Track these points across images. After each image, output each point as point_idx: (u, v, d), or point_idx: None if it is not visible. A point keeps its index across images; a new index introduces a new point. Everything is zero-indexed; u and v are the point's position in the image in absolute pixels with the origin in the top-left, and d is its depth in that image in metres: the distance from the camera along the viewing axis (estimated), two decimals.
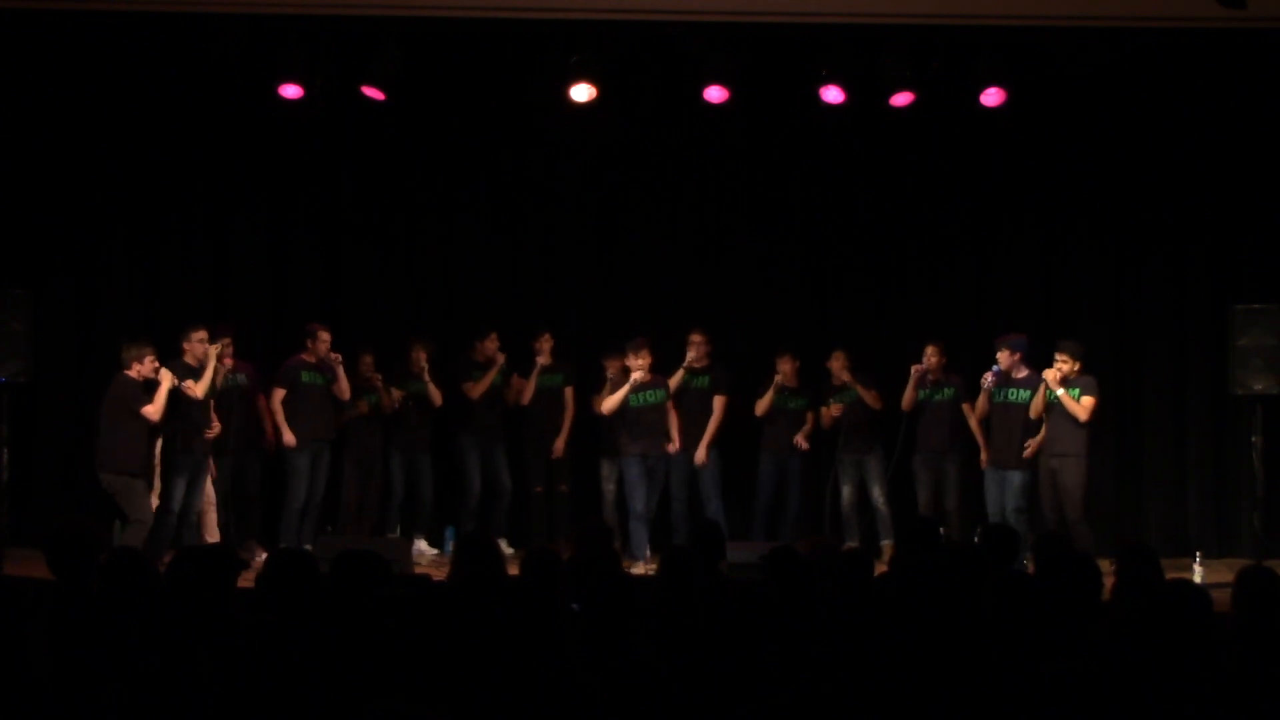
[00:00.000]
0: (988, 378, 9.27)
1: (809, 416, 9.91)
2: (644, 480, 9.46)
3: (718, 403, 9.76)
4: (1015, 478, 9.16)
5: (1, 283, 9.40)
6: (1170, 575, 5.44)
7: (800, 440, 9.84)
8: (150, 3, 8.86)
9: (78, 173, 10.11)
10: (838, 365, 9.81)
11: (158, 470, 8.97)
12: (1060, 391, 8.95)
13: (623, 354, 9.62)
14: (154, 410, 8.54)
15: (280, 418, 9.47)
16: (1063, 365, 8.99)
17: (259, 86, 9.35)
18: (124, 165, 10.16)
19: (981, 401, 9.35)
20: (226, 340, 9.19)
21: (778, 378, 9.81)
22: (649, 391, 9.48)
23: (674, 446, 9.56)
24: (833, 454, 9.93)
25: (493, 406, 9.91)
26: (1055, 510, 9.00)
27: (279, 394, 9.46)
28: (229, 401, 9.31)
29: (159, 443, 8.92)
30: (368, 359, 9.79)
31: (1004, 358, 9.25)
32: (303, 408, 9.49)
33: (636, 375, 9.38)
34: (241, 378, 9.45)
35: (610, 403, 9.52)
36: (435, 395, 9.78)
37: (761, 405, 9.85)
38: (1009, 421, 9.24)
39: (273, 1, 8.99)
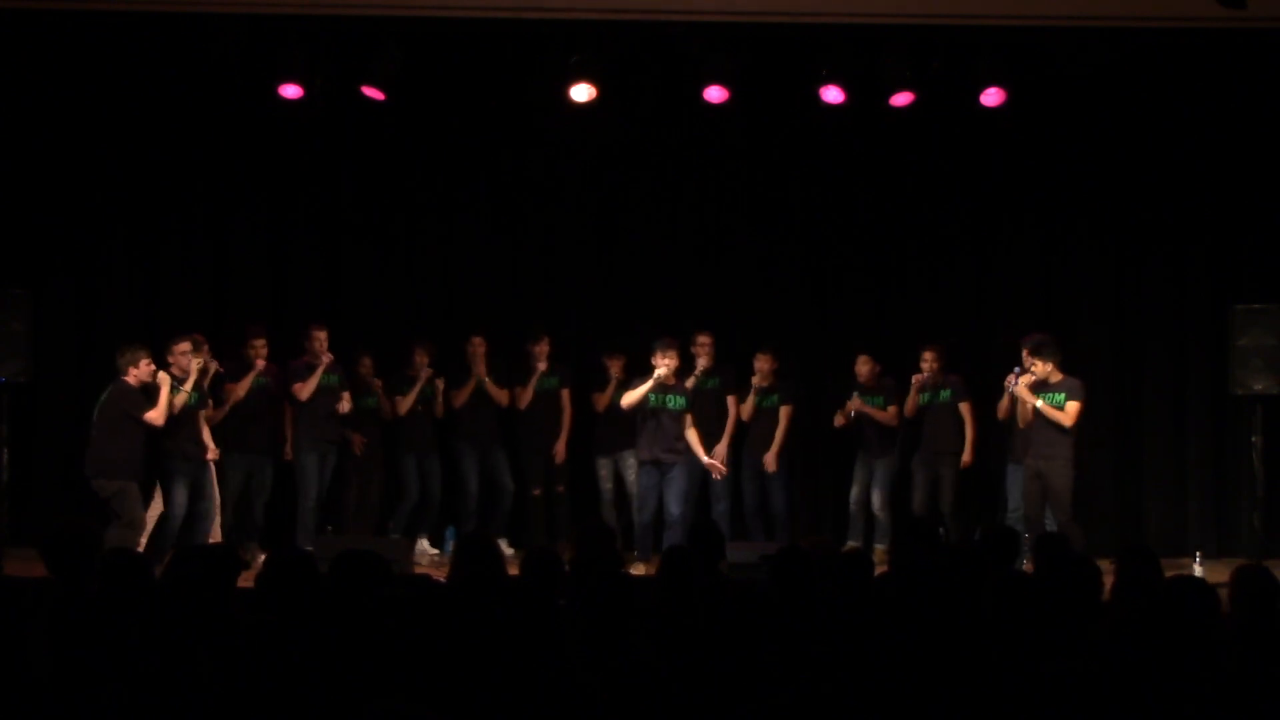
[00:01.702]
0: (1011, 379, 9.26)
1: (781, 413, 9.81)
2: (656, 489, 9.25)
3: (732, 404, 9.75)
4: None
5: (1, 283, 9.41)
6: (1171, 575, 5.43)
7: (771, 459, 9.75)
8: (150, 3, 8.87)
9: (78, 173, 10.11)
10: (864, 372, 9.78)
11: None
12: (1040, 403, 8.91)
13: (625, 353, 9.64)
14: (158, 415, 8.55)
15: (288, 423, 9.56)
16: (1034, 369, 8.95)
17: (259, 86, 9.35)
18: (124, 165, 10.15)
19: (1005, 402, 9.32)
20: (260, 342, 9.29)
21: (755, 379, 9.80)
22: (671, 396, 9.24)
23: (717, 471, 9.37)
24: (850, 456, 9.95)
25: (486, 409, 9.90)
26: (1039, 511, 8.98)
27: (305, 389, 9.40)
28: (253, 403, 9.35)
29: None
30: (367, 360, 9.79)
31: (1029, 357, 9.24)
32: (314, 408, 9.47)
33: (661, 371, 9.09)
34: (266, 380, 9.46)
35: (631, 397, 9.18)
36: (438, 408, 9.80)
37: (746, 409, 9.83)
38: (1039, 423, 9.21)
39: (273, 1, 8.99)
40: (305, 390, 9.39)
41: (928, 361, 9.60)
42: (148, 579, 4.95)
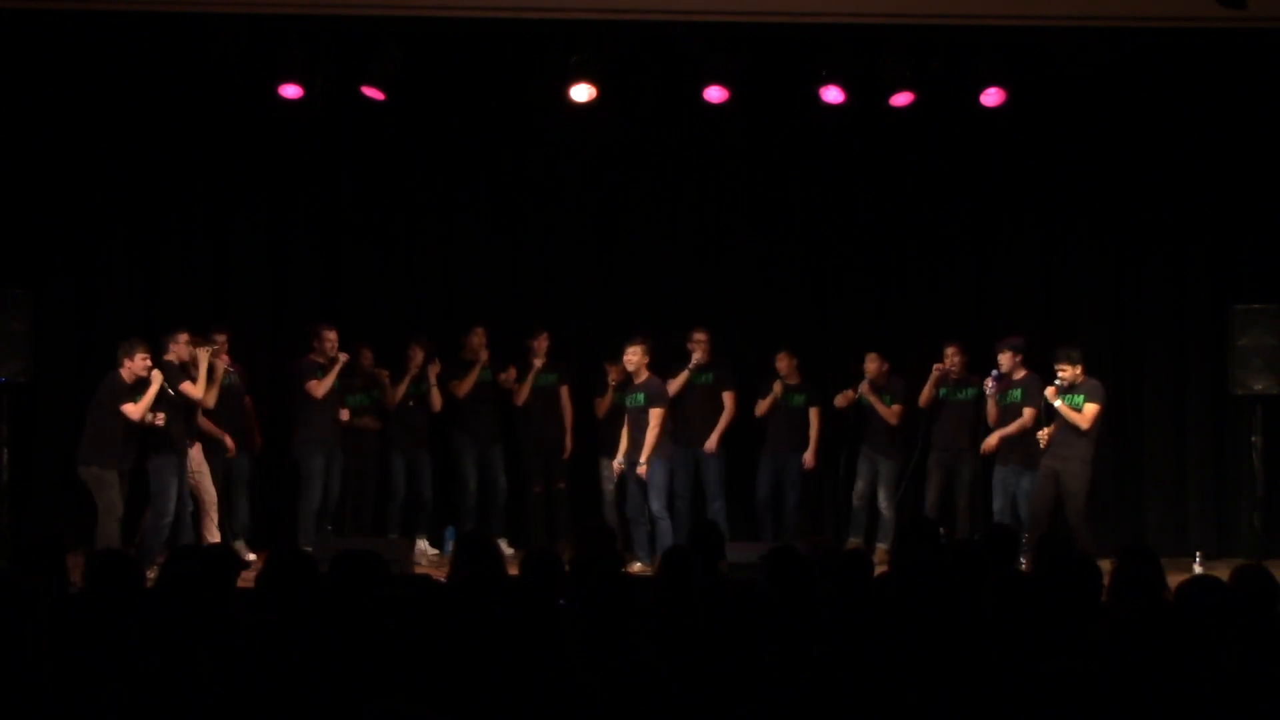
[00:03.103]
0: (989, 384, 9.29)
1: (812, 414, 9.86)
2: (640, 482, 9.36)
3: (728, 398, 9.78)
4: (1026, 478, 9.17)
5: (1, 283, 9.41)
6: (1171, 575, 5.43)
7: (809, 458, 9.81)
8: (150, 3, 8.86)
9: (78, 173, 10.10)
10: (873, 369, 9.77)
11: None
12: (1058, 403, 8.96)
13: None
14: (135, 409, 8.55)
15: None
16: (1063, 374, 8.99)
17: (259, 86, 9.34)
18: (124, 165, 10.15)
19: (991, 407, 9.35)
20: (222, 339, 9.22)
21: (783, 377, 9.81)
22: (631, 395, 9.42)
23: (641, 469, 9.32)
24: (851, 451, 9.95)
25: (486, 405, 9.90)
26: (1049, 510, 8.99)
27: (321, 386, 9.38)
28: (224, 401, 9.33)
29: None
30: (367, 353, 9.80)
31: (1005, 360, 9.27)
32: (322, 408, 9.47)
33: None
34: (234, 377, 9.46)
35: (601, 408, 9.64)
36: (436, 399, 9.79)
37: (762, 406, 9.85)
38: (1010, 423, 9.24)
39: (273, 1, 8.99)
40: (321, 388, 9.40)
41: (951, 356, 9.59)
42: (137, 579, 4.95)
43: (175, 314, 9.88)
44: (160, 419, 8.66)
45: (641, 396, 9.37)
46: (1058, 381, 8.98)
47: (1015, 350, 9.28)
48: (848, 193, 10.57)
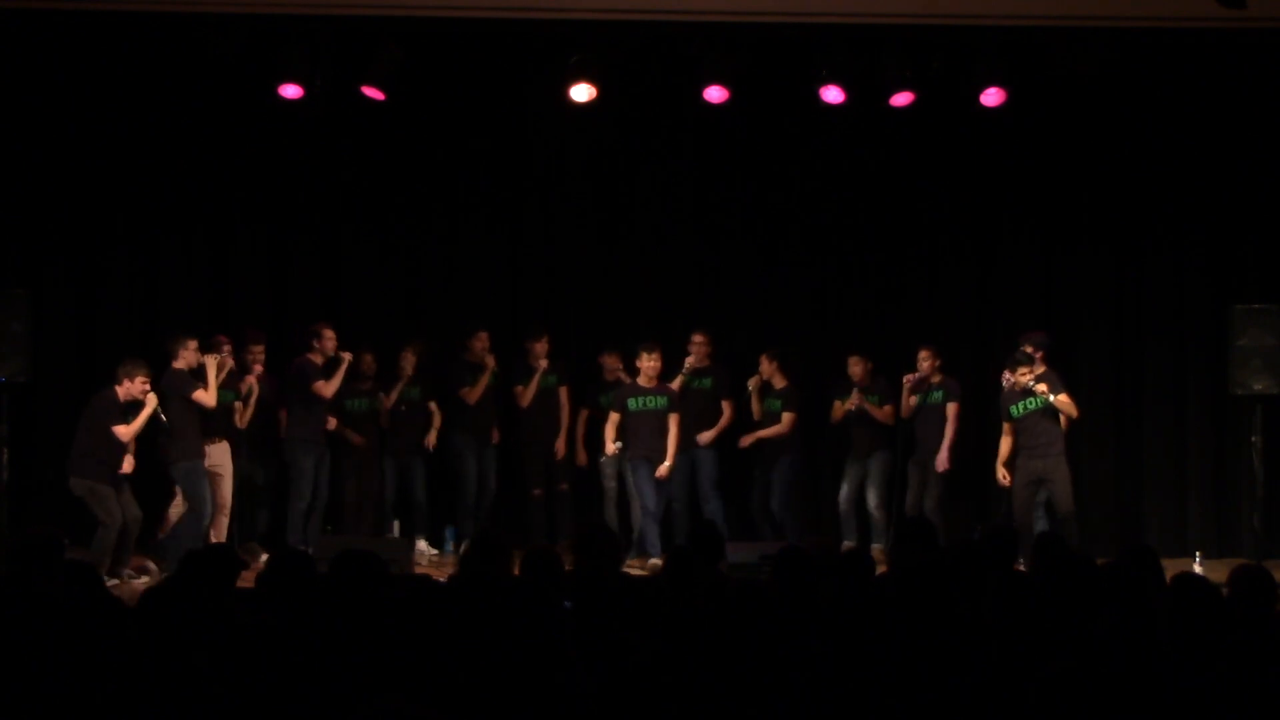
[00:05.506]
0: (1006, 376, 9.30)
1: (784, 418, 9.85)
2: (652, 479, 9.45)
3: (727, 406, 9.84)
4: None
5: (1, 283, 9.41)
6: (1171, 575, 5.43)
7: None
8: (150, 3, 8.86)
9: (78, 173, 10.10)
10: (858, 372, 9.78)
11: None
12: (1053, 397, 9.00)
13: (622, 351, 9.71)
14: (126, 432, 8.58)
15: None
16: (1027, 376, 9.04)
17: (259, 86, 9.34)
18: (124, 165, 10.14)
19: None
20: (258, 348, 9.37)
21: (754, 379, 9.82)
22: (650, 398, 9.48)
23: (663, 471, 9.45)
24: (840, 453, 9.95)
25: (486, 407, 9.91)
26: (1030, 515, 9.00)
27: (329, 387, 9.40)
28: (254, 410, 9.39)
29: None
30: (369, 358, 9.80)
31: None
32: (314, 409, 9.49)
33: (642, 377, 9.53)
34: (265, 389, 9.48)
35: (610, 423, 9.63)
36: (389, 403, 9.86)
37: (756, 409, 9.88)
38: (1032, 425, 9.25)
39: (273, 1, 8.98)
40: (330, 388, 9.43)
41: (923, 361, 9.61)
42: (98, 586, 4.96)
43: (175, 315, 9.90)
44: (208, 400, 8.72)
45: (665, 400, 9.48)
46: (1031, 383, 9.01)
47: (1038, 346, 9.31)
48: (848, 193, 10.56)
